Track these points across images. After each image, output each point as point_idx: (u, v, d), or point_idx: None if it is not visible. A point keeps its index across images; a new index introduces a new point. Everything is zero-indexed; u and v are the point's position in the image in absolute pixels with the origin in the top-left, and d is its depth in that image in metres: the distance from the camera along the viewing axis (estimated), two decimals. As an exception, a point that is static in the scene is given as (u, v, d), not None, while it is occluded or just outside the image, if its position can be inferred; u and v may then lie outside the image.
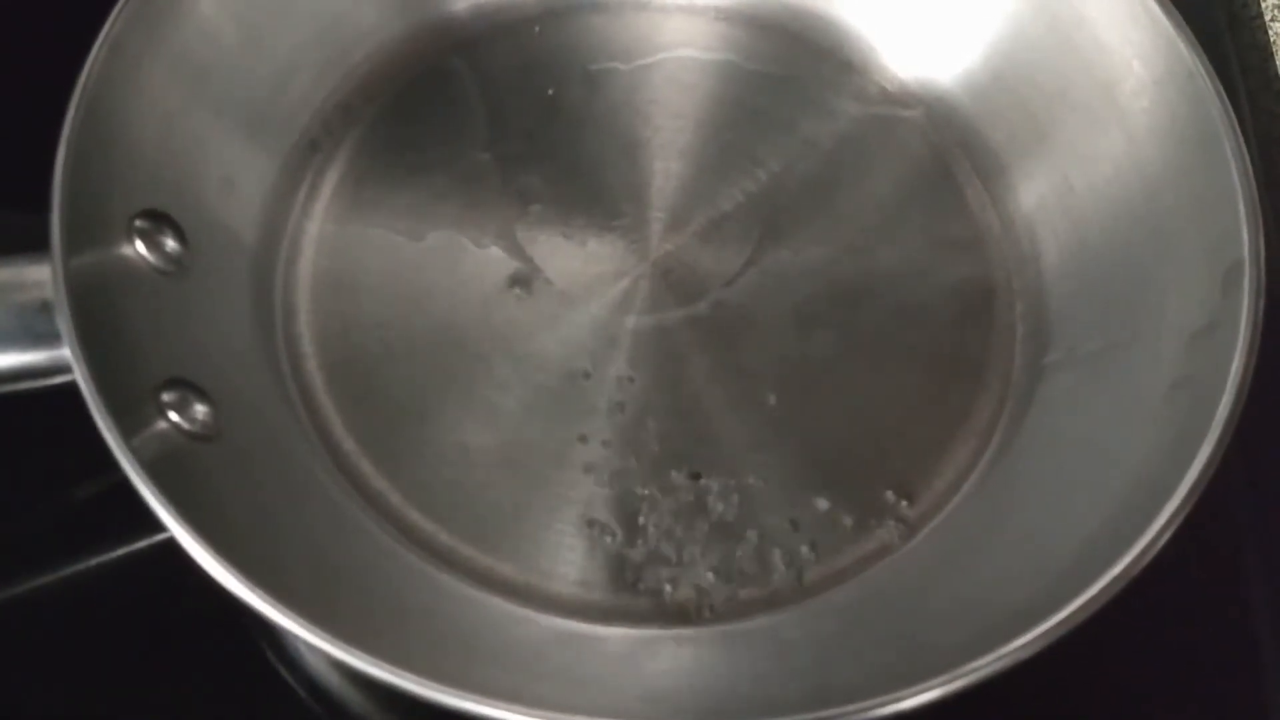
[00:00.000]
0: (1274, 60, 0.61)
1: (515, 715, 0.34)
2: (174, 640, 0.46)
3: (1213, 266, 0.44)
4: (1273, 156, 0.59)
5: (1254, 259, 0.43)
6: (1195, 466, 0.39)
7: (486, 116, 0.55)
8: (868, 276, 0.51)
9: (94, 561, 0.47)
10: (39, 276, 0.40)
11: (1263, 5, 0.63)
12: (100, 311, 0.41)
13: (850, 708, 0.35)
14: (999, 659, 0.36)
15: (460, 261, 0.51)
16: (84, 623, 0.46)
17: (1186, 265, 0.45)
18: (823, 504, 0.46)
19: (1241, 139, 0.45)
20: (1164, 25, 0.48)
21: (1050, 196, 0.52)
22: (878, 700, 0.35)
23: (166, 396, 0.41)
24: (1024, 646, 0.36)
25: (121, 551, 0.47)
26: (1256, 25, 0.63)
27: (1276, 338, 0.43)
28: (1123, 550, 0.38)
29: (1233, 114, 0.45)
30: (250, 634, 0.45)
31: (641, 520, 0.46)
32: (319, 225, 0.52)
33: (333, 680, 0.45)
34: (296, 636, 0.36)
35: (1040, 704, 0.45)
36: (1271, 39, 0.62)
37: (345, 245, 0.51)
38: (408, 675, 0.35)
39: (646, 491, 0.46)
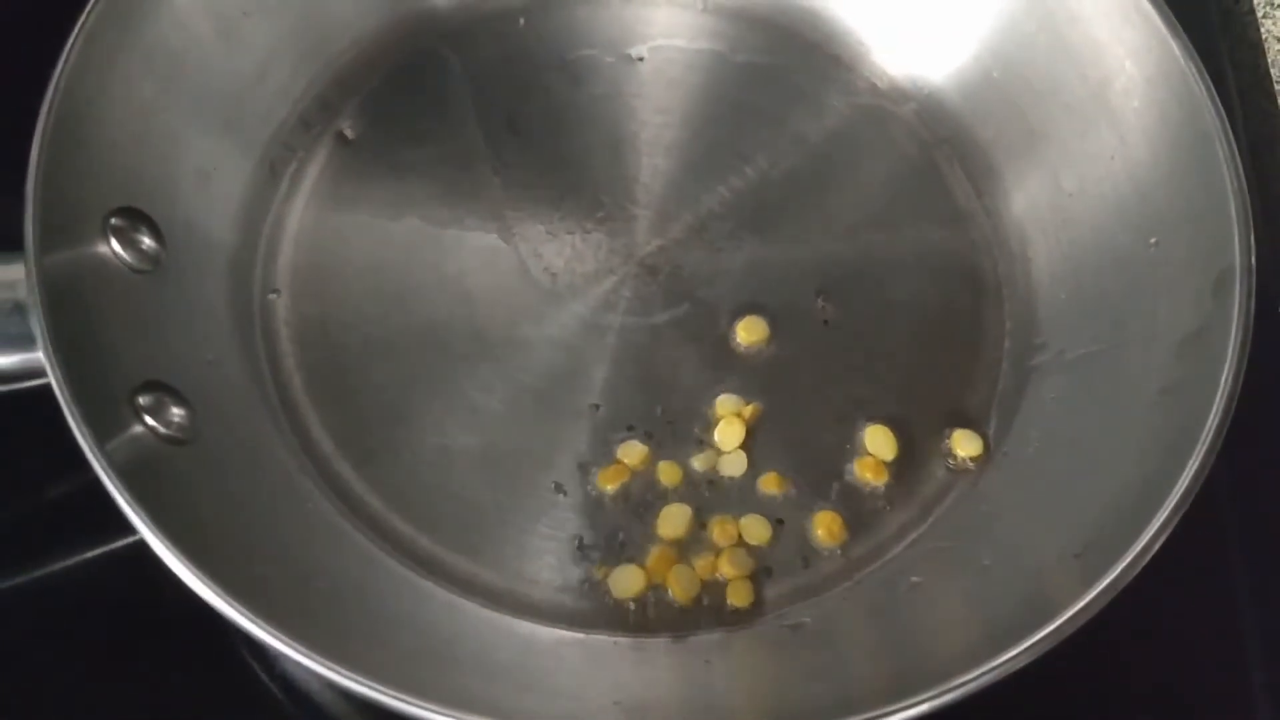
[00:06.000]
0: (1266, 57, 0.61)
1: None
2: (151, 640, 0.45)
3: (1204, 271, 0.44)
4: (1264, 154, 0.58)
5: (1245, 265, 0.42)
6: (1186, 474, 0.39)
7: (469, 110, 0.54)
8: (854, 276, 0.51)
9: (70, 561, 0.46)
10: (12, 276, 0.39)
11: (1255, 1, 0.62)
12: (75, 313, 0.40)
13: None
14: (987, 673, 0.36)
15: (443, 258, 0.50)
16: (59, 623, 0.46)
17: (1177, 269, 0.45)
18: (807, 510, 0.46)
19: (1233, 141, 0.45)
20: (1156, 24, 0.47)
21: (1040, 197, 0.51)
22: (863, 716, 0.35)
23: (143, 400, 0.41)
24: (1013, 659, 0.36)
25: (99, 550, 0.46)
26: (1248, 22, 0.62)
27: (1266, 344, 0.42)
28: (1115, 558, 0.38)
29: (1224, 115, 0.45)
30: (229, 636, 0.45)
31: (627, 526, 0.45)
32: (298, 220, 0.51)
33: (311, 683, 0.45)
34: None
35: (1028, 709, 0.45)
36: (1263, 35, 0.61)
37: (325, 241, 0.50)
38: (381, 686, 0.35)
39: (631, 495, 0.46)
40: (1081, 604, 0.37)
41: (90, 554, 0.46)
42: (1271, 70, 0.61)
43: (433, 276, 0.50)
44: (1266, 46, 0.61)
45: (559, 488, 0.46)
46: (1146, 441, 0.42)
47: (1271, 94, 0.60)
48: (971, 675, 0.35)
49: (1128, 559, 0.37)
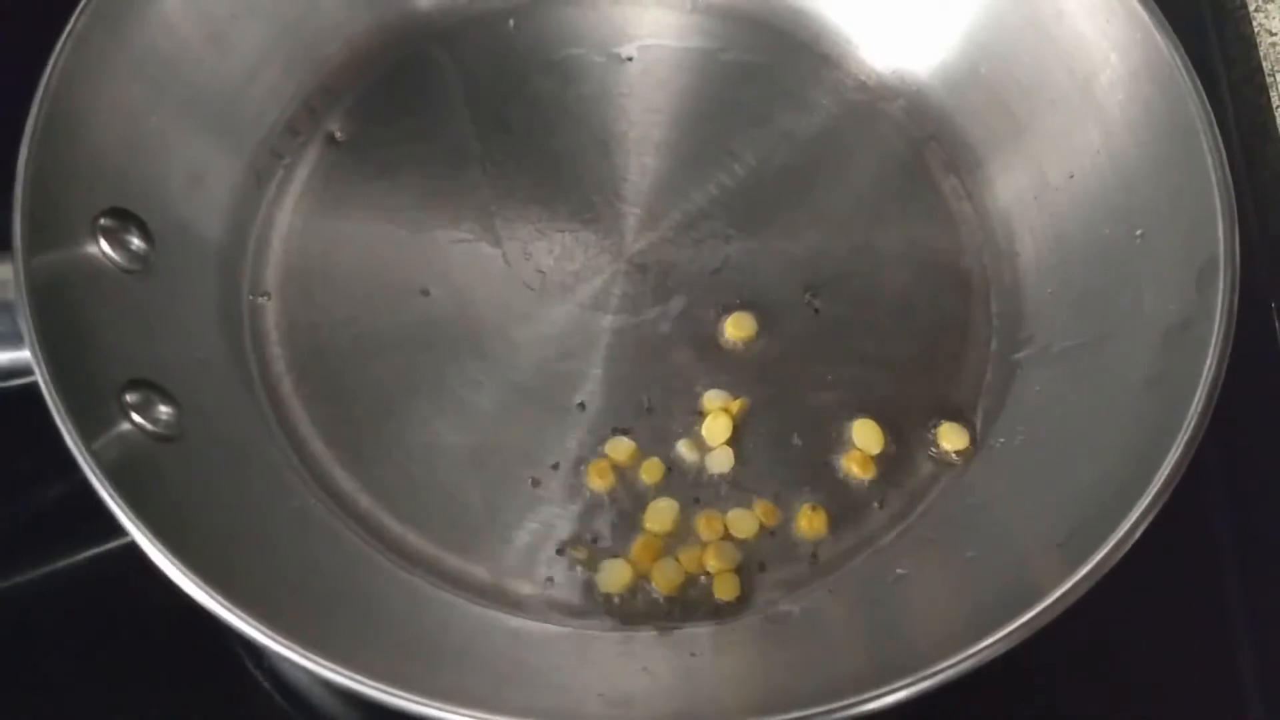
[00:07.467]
0: (1258, 52, 0.61)
1: (479, 720, 0.34)
2: (145, 639, 0.46)
3: (1188, 263, 0.44)
4: (1256, 148, 0.58)
5: (1229, 256, 0.43)
6: (1168, 463, 0.39)
7: (459, 111, 0.54)
8: (842, 272, 0.51)
9: (62, 563, 0.47)
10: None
11: (1246, -5, 0.62)
12: (63, 312, 0.40)
13: (814, 711, 0.34)
14: (965, 660, 0.36)
15: (433, 258, 0.51)
16: (53, 624, 0.46)
17: (1162, 261, 0.45)
18: (799, 502, 0.46)
19: (1218, 133, 0.45)
20: (1141, 17, 0.47)
21: (1027, 191, 0.51)
22: (846, 702, 0.35)
23: (130, 398, 0.41)
24: (991, 646, 0.36)
25: (92, 552, 0.46)
26: (1241, 16, 0.62)
27: (1250, 334, 0.42)
28: (1097, 545, 0.38)
29: (1209, 108, 0.45)
30: (223, 633, 0.45)
31: (614, 521, 0.45)
32: (288, 221, 0.51)
33: (302, 678, 0.45)
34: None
35: (1016, 695, 0.45)
36: (1256, 29, 0.61)
37: (315, 241, 0.51)
38: (368, 680, 0.35)
39: (620, 491, 0.46)
40: (1061, 591, 0.37)
41: (84, 555, 0.47)
42: (1264, 64, 0.60)
43: (422, 276, 0.50)
44: (1259, 40, 0.61)
45: (547, 484, 0.46)
46: (1131, 433, 0.42)
47: (1264, 88, 0.60)
48: (948, 663, 0.35)
49: (1108, 547, 0.37)
